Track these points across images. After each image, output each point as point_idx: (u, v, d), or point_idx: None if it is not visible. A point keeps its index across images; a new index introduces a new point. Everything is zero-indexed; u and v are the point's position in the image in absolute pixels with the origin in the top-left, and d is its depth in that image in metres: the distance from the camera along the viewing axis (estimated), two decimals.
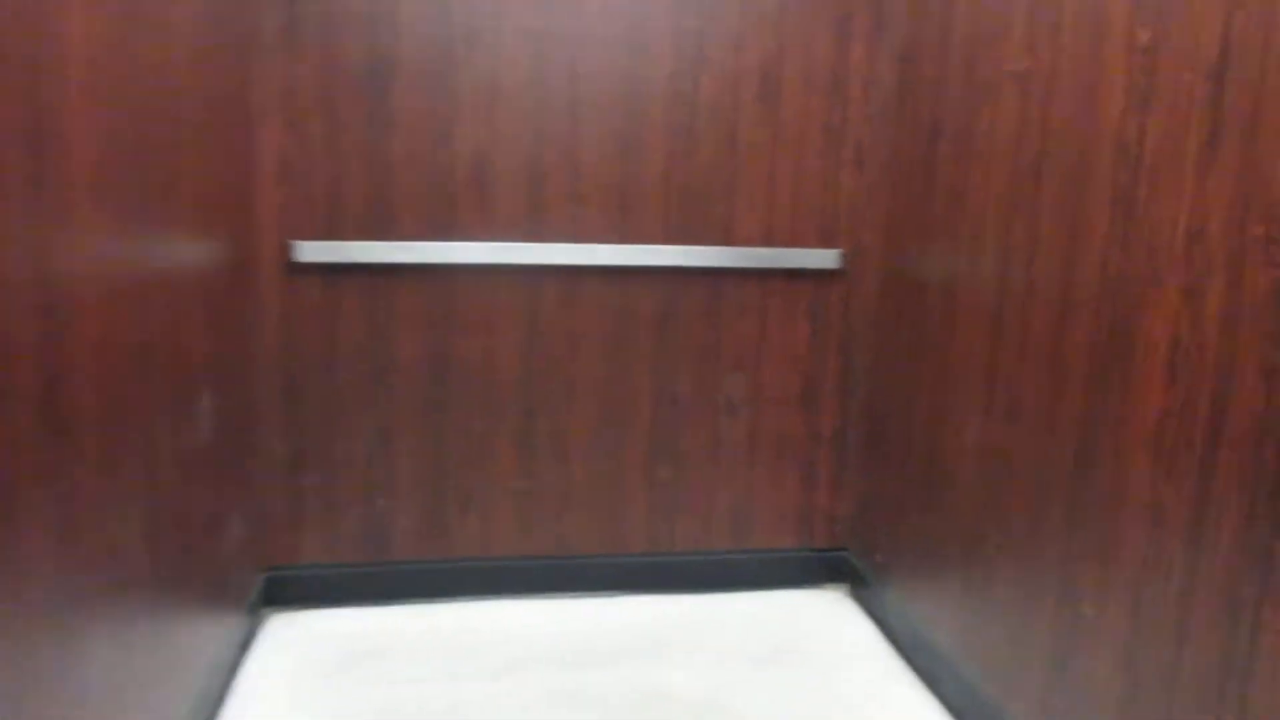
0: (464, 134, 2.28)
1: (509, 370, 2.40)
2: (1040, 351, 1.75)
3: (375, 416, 2.36)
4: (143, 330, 1.47)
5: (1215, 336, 1.34)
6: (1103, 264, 1.58)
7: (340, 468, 2.37)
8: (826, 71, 2.40)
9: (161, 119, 1.55)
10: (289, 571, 2.39)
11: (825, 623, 2.44)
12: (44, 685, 1.13)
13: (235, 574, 2.12)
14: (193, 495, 1.75)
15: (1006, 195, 1.86)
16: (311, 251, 2.24)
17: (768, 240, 2.45)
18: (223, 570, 2.00)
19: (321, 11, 2.18)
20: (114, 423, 1.35)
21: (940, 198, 2.13)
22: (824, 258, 2.46)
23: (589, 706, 2.04)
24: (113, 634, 1.36)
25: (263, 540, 2.36)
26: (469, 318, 2.36)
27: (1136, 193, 1.49)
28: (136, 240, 1.43)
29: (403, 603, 2.45)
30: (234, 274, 2.06)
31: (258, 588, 2.33)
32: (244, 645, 2.20)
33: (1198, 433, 1.38)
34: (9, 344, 1.03)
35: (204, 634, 1.84)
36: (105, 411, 1.32)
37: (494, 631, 2.33)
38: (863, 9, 2.39)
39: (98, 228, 1.28)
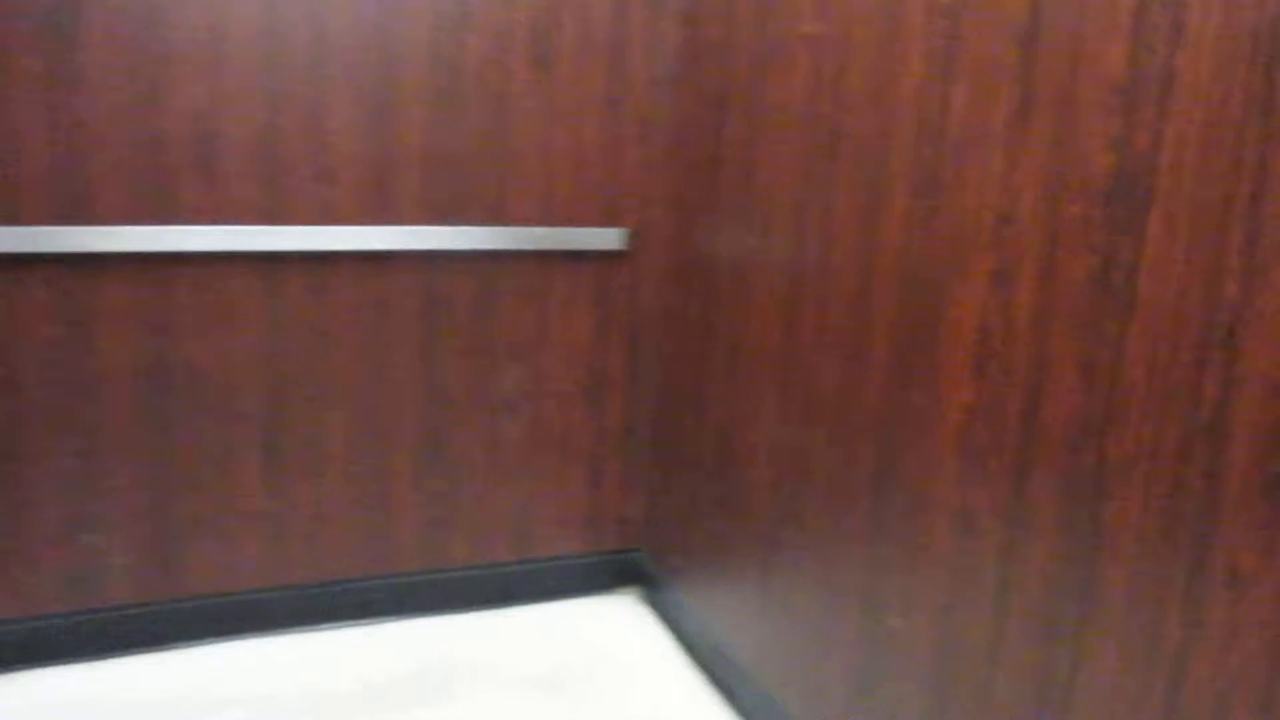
0: (181, 95, 1.90)
1: (249, 375, 2.06)
2: (839, 342, 1.61)
3: (77, 438, 1.95)
4: None
5: (1028, 327, 1.22)
6: (904, 247, 1.44)
7: (30, 502, 1.95)
8: (605, 34, 2.18)
9: None
10: None
11: (617, 634, 2.25)
12: None
13: None
14: None
15: (800, 171, 1.70)
16: None
17: (546, 219, 2.21)
18: None
19: None
20: None
21: (729, 173, 1.96)
22: (608, 237, 2.25)
23: None
24: None
25: None
26: (196, 316, 2.00)
27: (940, 169, 1.36)
28: None
29: (121, 655, 2.06)
30: None
31: None
32: None
33: (1009, 433, 1.26)
34: None
35: None
36: None
37: (239, 680, 2.00)
38: None
39: None
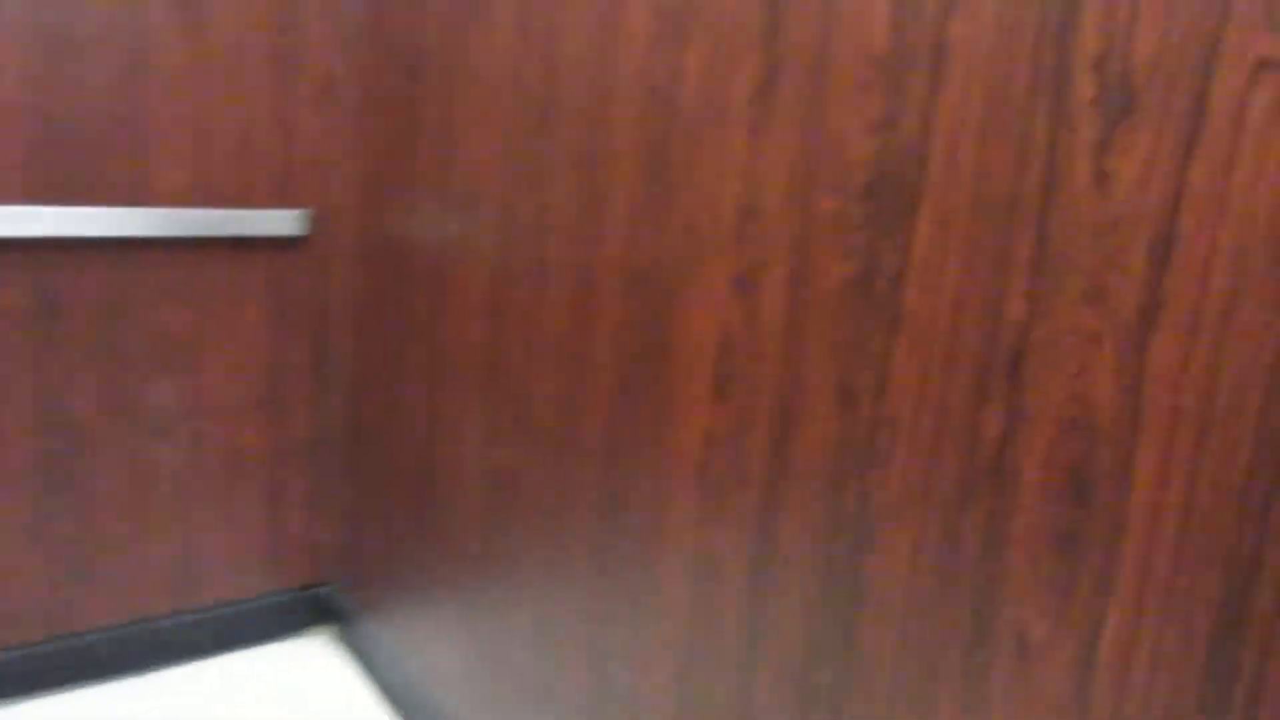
0: None
1: None
2: (556, 349, 1.37)
3: None
4: None
5: (778, 341, 1.03)
6: (632, 241, 1.22)
7: None
8: None
9: None
10: None
11: (307, 685, 1.91)
12: None
13: None
14: None
15: (508, 148, 1.44)
16: None
17: (202, 199, 1.81)
18: None
19: None
20: None
21: (428, 147, 1.66)
22: (282, 221, 1.88)
23: None
24: None
25: None
26: None
27: (672, 150, 1.14)
28: None
29: None
30: None
31: None
32: None
33: (756, 465, 1.07)
34: None
35: None
36: None
37: None
38: None
39: None
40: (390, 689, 1.89)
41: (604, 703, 1.33)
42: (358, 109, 1.89)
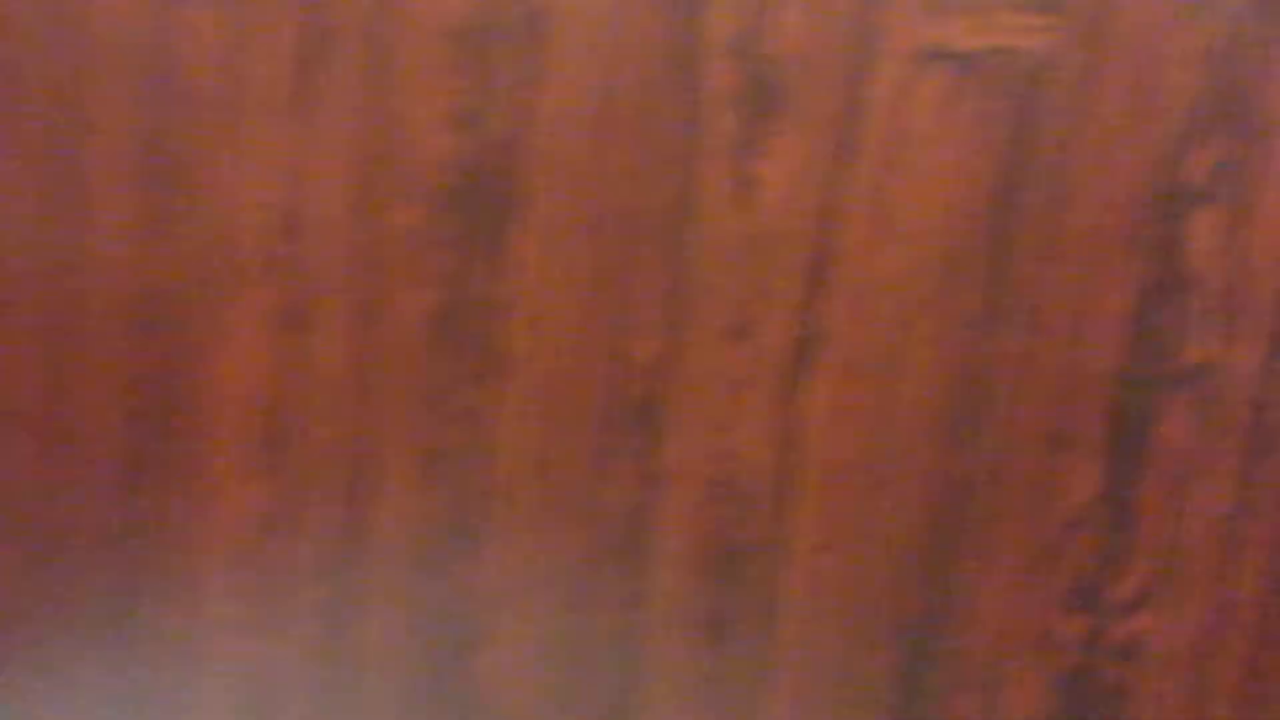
0: None
1: None
2: (29, 410, 1.01)
3: None
4: None
5: (343, 393, 0.80)
6: (131, 264, 0.91)
7: None
8: None
9: None
10: None
11: None
12: None
13: None
14: None
15: None
16: None
17: None
18: None
19: None
20: None
21: None
22: None
23: None
24: None
25: None
26: None
27: (179, 141, 0.86)
28: None
29: None
30: None
31: None
32: None
33: (321, 549, 0.84)
34: None
35: None
36: None
37: None
38: None
39: None
40: None
41: None
42: None
